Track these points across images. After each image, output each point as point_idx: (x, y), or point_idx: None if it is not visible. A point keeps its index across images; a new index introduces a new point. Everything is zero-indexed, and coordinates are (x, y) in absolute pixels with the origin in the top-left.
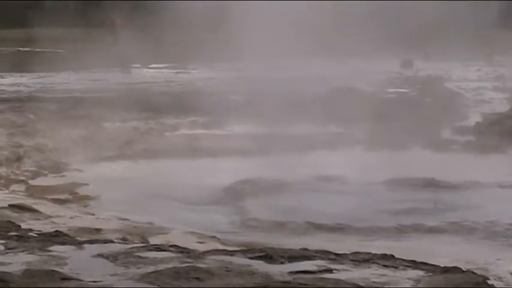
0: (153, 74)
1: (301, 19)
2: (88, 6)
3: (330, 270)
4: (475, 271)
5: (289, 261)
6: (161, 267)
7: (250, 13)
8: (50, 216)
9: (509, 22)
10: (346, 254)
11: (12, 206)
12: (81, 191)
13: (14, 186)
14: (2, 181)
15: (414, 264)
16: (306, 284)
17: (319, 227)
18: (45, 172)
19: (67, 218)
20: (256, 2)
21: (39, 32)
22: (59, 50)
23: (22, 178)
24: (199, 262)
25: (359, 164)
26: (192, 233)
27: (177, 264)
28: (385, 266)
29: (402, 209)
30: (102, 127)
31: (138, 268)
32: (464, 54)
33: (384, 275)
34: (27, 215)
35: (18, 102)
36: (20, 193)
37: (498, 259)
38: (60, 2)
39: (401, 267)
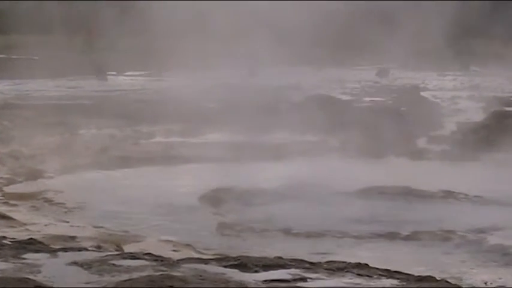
0: (129, 82)
1: (277, 28)
2: (64, 13)
3: (304, 279)
4: (449, 280)
5: (264, 270)
6: (136, 275)
7: (227, 22)
8: (25, 224)
9: (485, 32)
10: (321, 262)
11: None
12: (56, 198)
13: None
14: None
15: (388, 273)
16: None
17: (294, 235)
18: (20, 179)
19: (41, 226)
20: (233, 11)
21: (15, 38)
22: (35, 57)
23: None
24: (174, 270)
25: (335, 173)
26: (167, 241)
27: (152, 273)
28: (359, 274)
29: (377, 217)
30: (78, 134)
31: (113, 276)
32: (440, 63)
33: (358, 284)
34: (1, 222)
35: None
36: None
37: (472, 268)
38: (36, 8)
39: (375, 276)
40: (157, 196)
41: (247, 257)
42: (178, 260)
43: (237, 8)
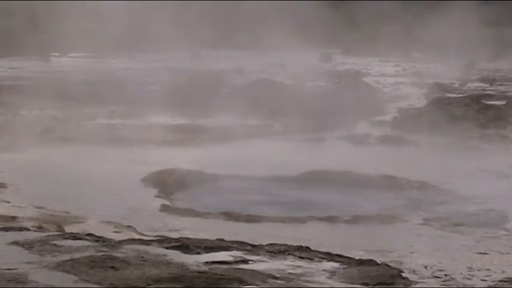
0: (72, 63)
1: (217, 11)
2: None
3: (246, 261)
4: (389, 264)
5: (205, 252)
6: (77, 255)
7: (172, 6)
8: None
9: (428, 20)
10: (262, 245)
11: None
12: None
13: None
14: None
15: (329, 256)
16: (222, 275)
17: (235, 218)
18: None
19: None
20: None
21: None
22: None
23: None
24: (116, 251)
25: (277, 156)
26: (109, 222)
27: (93, 253)
28: (300, 257)
29: (318, 201)
30: (20, 115)
31: (54, 256)
32: (383, 49)
33: (300, 267)
34: None
35: None
36: None
37: (412, 252)
38: None
39: (316, 259)
40: (99, 177)
41: (189, 238)
42: (119, 241)
43: None
